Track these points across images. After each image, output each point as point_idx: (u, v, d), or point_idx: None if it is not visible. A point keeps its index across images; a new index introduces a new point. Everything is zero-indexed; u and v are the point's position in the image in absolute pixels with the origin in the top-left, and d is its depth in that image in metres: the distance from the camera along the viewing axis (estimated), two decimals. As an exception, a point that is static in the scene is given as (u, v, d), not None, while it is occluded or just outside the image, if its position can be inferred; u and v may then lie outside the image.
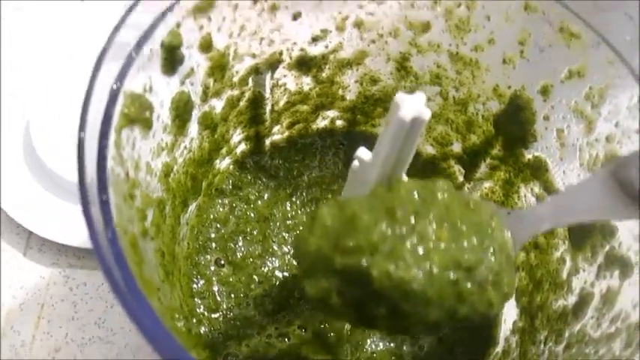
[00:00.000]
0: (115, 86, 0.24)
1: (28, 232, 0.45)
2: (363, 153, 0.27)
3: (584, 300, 0.30)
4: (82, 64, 0.50)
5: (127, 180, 0.26)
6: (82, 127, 0.22)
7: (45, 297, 0.44)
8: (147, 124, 0.28)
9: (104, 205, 0.21)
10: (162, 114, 0.30)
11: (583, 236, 0.32)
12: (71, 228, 0.44)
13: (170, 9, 0.27)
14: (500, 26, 0.33)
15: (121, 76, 0.25)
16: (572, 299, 0.31)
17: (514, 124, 0.36)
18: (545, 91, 0.33)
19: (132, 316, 0.19)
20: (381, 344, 0.38)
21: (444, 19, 0.35)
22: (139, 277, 0.21)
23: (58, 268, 0.45)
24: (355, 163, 0.28)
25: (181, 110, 0.32)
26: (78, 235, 0.44)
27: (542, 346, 0.32)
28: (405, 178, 0.28)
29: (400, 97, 0.23)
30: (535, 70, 0.33)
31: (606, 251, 0.29)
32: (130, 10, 0.24)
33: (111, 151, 0.23)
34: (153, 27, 0.26)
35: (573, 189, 0.29)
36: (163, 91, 0.29)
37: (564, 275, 0.33)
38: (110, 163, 0.23)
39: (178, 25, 0.28)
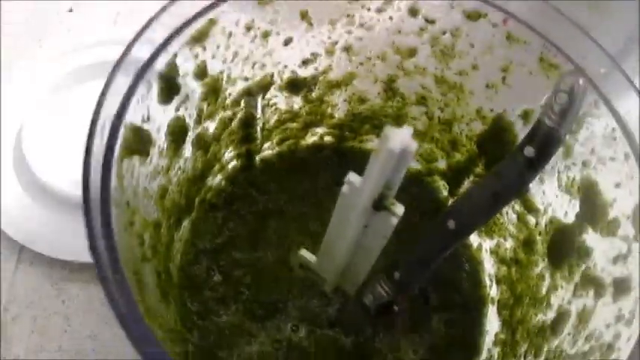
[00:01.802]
0: (116, 121, 0.25)
1: (19, 246, 0.45)
2: (353, 177, 0.28)
3: (561, 317, 0.31)
4: (75, 75, 0.51)
5: (128, 208, 0.27)
6: (87, 163, 0.23)
7: (38, 310, 0.44)
8: (145, 153, 0.29)
9: (111, 250, 0.22)
10: (159, 139, 0.31)
11: (560, 255, 0.33)
12: (63, 241, 0.45)
13: (168, 41, 0.28)
14: (484, 53, 0.35)
15: (122, 110, 0.25)
16: (550, 315, 0.33)
17: (496, 145, 0.38)
18: (526, 116, 0.35)
19: (137, 346, 0.20)
20: (379, 342, 0.39)
21: (430, 45, 0.36)
22: (142, 309, 0.22)
23: (50, 281, 0.45)
24: (345, 187, 0.29)
25: (177, 135, 0.33)
26: (70, 249, 0.44)
27: (522, 359, 0.33)
28: (393, 201, 0.29)
29: (388, 130, 0.24)
30: (517, 95, 0.35)
31: (582, 271, 0.31)
32: (129, 48, 0.25)
33: (113, 183, 0.24)
34: (151, 60, 0.27)
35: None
36: (160, 118, 0.30)
37: (544, 291, 0.35)
38: (113, 194, 0.24)
39: (175, 56, 0.29)
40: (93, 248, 0.20)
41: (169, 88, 0.29)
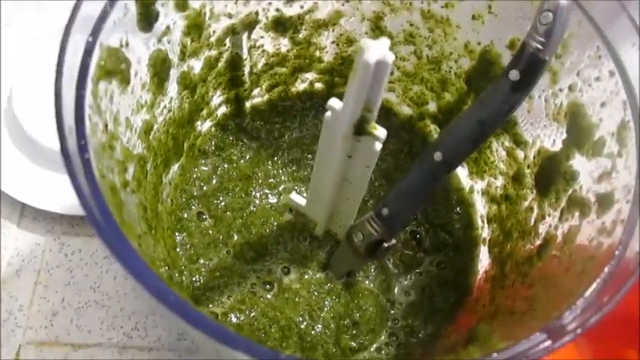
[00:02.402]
0: (90, 39, 0.25)
1: (21, 203, 0.46)
2: (334, 102, 0.28)
3: (547, 242, 0.31)
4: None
5: (106, 131, 0.26)
6: (59, 77, 0.23)
7: (41, 263, 0.45)
8: (124, 79, 0.28)
9: (82, 149, 0.22)
10: (140, 71, 0.31)
11: (548, 183, 0.33)
12: (63, 197, 0.45)
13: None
14: (469, -18, 0.34)
15: (96, 30, 0.25)
16: (537, 242, 0.32)
17: (485, 80, 0.37)
18: (512, 46, 0.34)
19: (104, 239, 0.20)
20: (370, 284, 0.40)
21: (415, -24, 0.36)
22: (118, 218, 0.22)
23: (53, 236, 0.46)
24: (328, 113, 0.29)
25: (159, 68, 0.32)
26: (71, 204, 0.45)
27: (510, 289, 0.33)
28: (375, 125, 0.29)
29: (365, 42, 0.24)
30: (503, 24, 0.34)
31: (569, 195, 0.31)
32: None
33: (88, 101, 0.24)
34: (127, -18, 0.27)
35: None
36: (140, 49, 0.30)
37: (532, 222, 0.34)
38: (88, 111, 0.24)
39: (152, -18, 0.29)
40: (64, 151, 0.20)
41: (147, 13, 0.29)
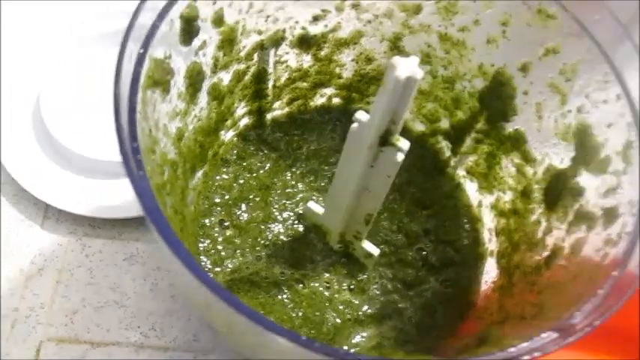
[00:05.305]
0: (141, 50, 0.27)
1: (45, 204, 0.48)
2: (361, 115, 0.30)
3: (555, 253, 0.33)
4: (92, 41, 0.53)
5: (150, 135, 0.29)
6: (117, 82, 0.25)
7: (63, 263, 0.46)
8: (165, 89, 0.31)
9: (135, 151, 0.24)
10: (178, 81, 0.33)
11: (556, 198, 0.35)
12: (86, 200, 0.47)
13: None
14: (485, 8, 0.36)
15: (146, 43, 0.28)
16: (545, 254, 0.34)
17: (497, 100, 0.39)
18: (524, 68, 0.37)
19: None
20: (370, 309, 0.41)
21: (434, 1, 0.38)
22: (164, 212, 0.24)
23: (75, 237, 0.47)
24: (354, 124, 0.31)
25: (194, 79, 0.35)
26: (93, 206, 0.46)
27: (518, 297, 0.35)
28: (398, 137, 0.31)
29: (396, 59, 0.26)
30: (516, 49, 0.37)
31: (576, 209, 0.33)
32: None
33: (138, 107, 0.26)
34: (173, 0, 0.29)
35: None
36: (179, 61, 0.32)
37: (539, 235, 0.36)
38: (138, 116, 0.26)
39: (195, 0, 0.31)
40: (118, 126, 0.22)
41: (189, 29, 0.31)
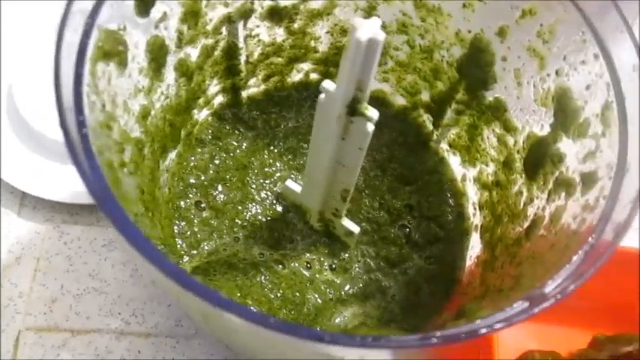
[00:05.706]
0: (88, 20, 0.26)
1: (21, 192, 0.47)
2: (327, 84, 0.29)
3: (535, 223, 0.32)
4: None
5: (103, 110, 0.27)
6: (58, 52, 0.23)
7: (40, 251, 0.45)
8: (122, 62, 0.29)
9: (81, 125, 0.23)
10: (138, 55, 0.32)
11: (537, 167, 0.34)
12: (63, 186, 0.46)
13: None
14: (459, -29, 0.35)
15: (95, 11, 0.26)
16: (526, 224, 0.33)
17: (476, 68, 0.38)
18: (501, 33, 0.35)
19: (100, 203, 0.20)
20: (352, 288, 0.40)
21: (407, -34, 0.36)
22: (115, 192, 0.23)
23: (53, 224, 0.46)
24: (322, 95, 0.30)
25: (156, 54, 0.33)
26: (70, 192, 0.46)
27: (499, 270, 0.34)
28: (367, 106, 0.29)
29: (357, 20, 0.24)
30: (492, 12, 0.35)
31: (556, 177, 0.32)
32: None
33: (86, 79, 0.25)
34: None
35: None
36: (137, 34, 0.31)
37: (521, 206, 0.35)
38: (86, 89, 0.25)
39: (150, -33, 0.30)
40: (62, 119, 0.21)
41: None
